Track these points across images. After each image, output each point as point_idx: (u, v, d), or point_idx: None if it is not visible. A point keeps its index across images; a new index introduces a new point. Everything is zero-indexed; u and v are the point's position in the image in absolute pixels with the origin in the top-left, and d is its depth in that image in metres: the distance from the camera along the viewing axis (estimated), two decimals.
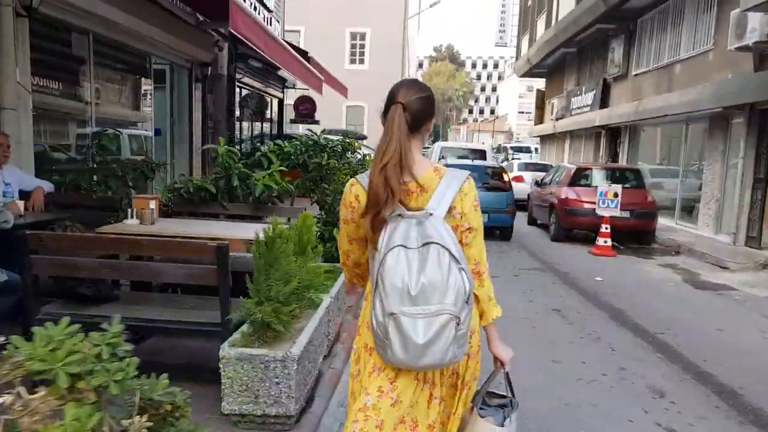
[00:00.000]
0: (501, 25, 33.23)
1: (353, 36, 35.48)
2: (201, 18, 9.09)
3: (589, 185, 11.25)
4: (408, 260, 1.59)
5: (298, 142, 6.75)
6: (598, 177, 11.44)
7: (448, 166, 1.97)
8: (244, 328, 3.07)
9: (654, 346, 5.01)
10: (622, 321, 5.80)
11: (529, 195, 14.14)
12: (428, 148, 35.31)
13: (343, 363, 3.90)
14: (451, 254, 1.60)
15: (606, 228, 9.89)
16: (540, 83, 28.27)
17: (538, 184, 13.34)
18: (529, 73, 27.13)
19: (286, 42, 11.10)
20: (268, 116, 15.22)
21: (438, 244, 1.60)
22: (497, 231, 11.23)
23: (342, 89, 15.36)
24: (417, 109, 1.73)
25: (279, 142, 6.85)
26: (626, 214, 10.40)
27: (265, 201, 5.16)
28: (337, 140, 7.62)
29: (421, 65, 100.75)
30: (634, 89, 15.44)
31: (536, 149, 40.01)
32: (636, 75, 15.38)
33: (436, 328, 1.56)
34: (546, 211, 11.97)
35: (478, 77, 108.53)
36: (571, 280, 7.71)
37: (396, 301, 1.57)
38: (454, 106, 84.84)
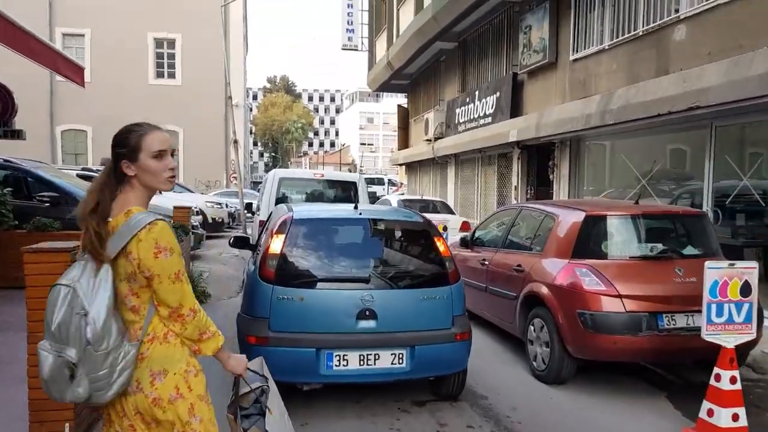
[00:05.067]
0: (348, 22, 27.43)
1: (159, 43, 27.24)
2: None
3: (616, 257, 4.97)
4: (63, 297, 1.64)
5: None
6: (632, 235, 5.21)
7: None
8: None
9: None
10: None
11: None
12: (259, 183, 27.74)
13: None
14: (80, 300, 1.63)
15: (735, 379, 3.65)
16: (400, 100, 22.68)
17: (466, 243, 6.92)
18: (387, 85, 21.36)
19: None
20: None
21: (68, 286, 1.65)
22: (430, 378, 4.48)
23: (75, 70, 7.85)
24: (112, 157, 1.81)
25: None
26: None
27: None
28: None
29: (255, 97, 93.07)
30: (574, 82, 10.00)
31: (390, 181, 34.73)
32: (576, 60, 9.95)
33: (50, 366, 1.63)
34: (509, 308, 5.53)
35: (316, 110, 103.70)
36: None
37: (45, 333, 1.65)
38: (293, 139, 78.44)
